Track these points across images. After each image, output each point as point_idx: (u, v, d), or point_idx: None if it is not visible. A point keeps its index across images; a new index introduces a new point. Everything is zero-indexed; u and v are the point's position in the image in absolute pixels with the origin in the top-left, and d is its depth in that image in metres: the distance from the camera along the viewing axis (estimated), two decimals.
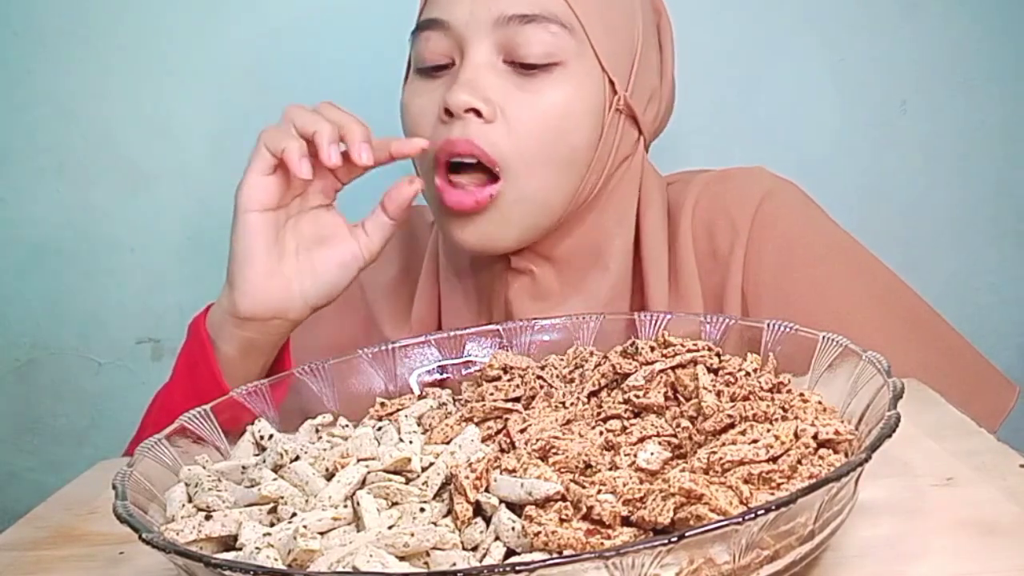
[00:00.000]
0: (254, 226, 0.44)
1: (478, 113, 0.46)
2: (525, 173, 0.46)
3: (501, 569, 0.22)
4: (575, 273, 0.51)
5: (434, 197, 0.48)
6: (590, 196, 0.50)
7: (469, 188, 0.46)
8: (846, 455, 0.30)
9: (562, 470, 0.30)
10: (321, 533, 0.28)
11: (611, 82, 0.48)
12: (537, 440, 0.32)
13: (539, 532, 0.26)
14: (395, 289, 0.57)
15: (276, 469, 0.33)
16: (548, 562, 0.23)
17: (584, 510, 0.27)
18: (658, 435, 0.32)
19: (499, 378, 0.39)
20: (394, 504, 0.30)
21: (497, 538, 0.27)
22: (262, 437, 0.36)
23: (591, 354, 0.39)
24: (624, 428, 0.33)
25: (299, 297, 0.46)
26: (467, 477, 0.29)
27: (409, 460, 0.31)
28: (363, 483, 0.31)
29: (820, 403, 0.32)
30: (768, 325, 0.37)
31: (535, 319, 0.44)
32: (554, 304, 0.50)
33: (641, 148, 0.52)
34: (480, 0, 0.46)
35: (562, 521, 0.27)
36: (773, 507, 0.24)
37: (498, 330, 0.43)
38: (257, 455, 0.35)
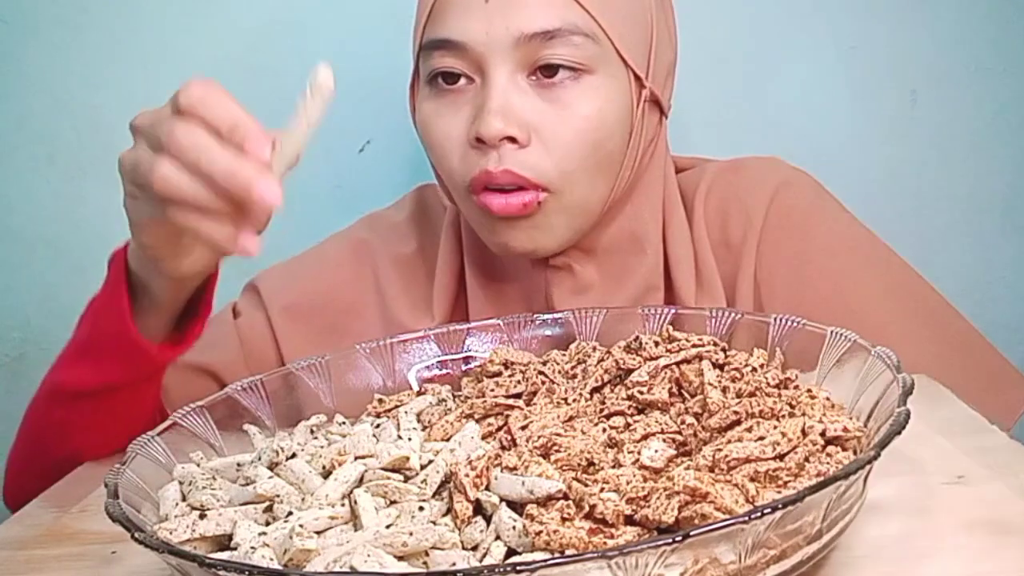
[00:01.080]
0: (153, 244, 0.39)
1: (512, 139, 0.45)
2: (568, 186, 0.46)
3: (502, 569, 0.22)
4: (615, 264, 0.51)
5: (472, 209, 0.47)
6: (623, 188, 0.49)
7: (512, 195, 0.45)
8: (855, 452, 0.29)
9: (564, 468, 0.29)
10: (318, 532, 0.28)
11: (636, 76, 0.47)
12: (539, 437, 0.31)
13: (540, 531, 0.25)
14: (409, 266, 0.55)
15: (272, 467, 0.32)
16: (550, 562, 0.22)
17: (587, 509, 0.26)
18: (662, 432, 0.32)
19: (500, 374, 0.38)
20: (392, 503, 0.30)
21: (498, 537, 0.27)
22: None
23: (594, 349, 0.39)
24: (628, 425, 0.33)
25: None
26: (467, 475, 0.28)
27: (408, 458, 0.31)
28: (361, 481, 0.31)
29: (828, 399, 0.32)
30: (774, 320, 0.37)
31: (536, 314, 0.43)
32: (595, 297, 0.50)
33: (664, 127, 0.52)
34: (497, 18, 0.44)
35: (564, 520, 0.26)
36: (780, 506, 0.23)
37: (499, 324, 0.43)
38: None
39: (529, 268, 0.51)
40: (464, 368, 0.42)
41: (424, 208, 0.58)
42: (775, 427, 0.29)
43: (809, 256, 0.50)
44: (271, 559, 0.26)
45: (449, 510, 0.29)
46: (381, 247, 0.56)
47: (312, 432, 0.37)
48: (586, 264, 0.50)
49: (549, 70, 0.45)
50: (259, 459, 0.33)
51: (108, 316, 0.42)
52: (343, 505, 0.30)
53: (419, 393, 0.40)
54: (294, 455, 0.32)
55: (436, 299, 0.53)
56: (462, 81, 0.46)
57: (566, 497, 0.27)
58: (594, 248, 0.50)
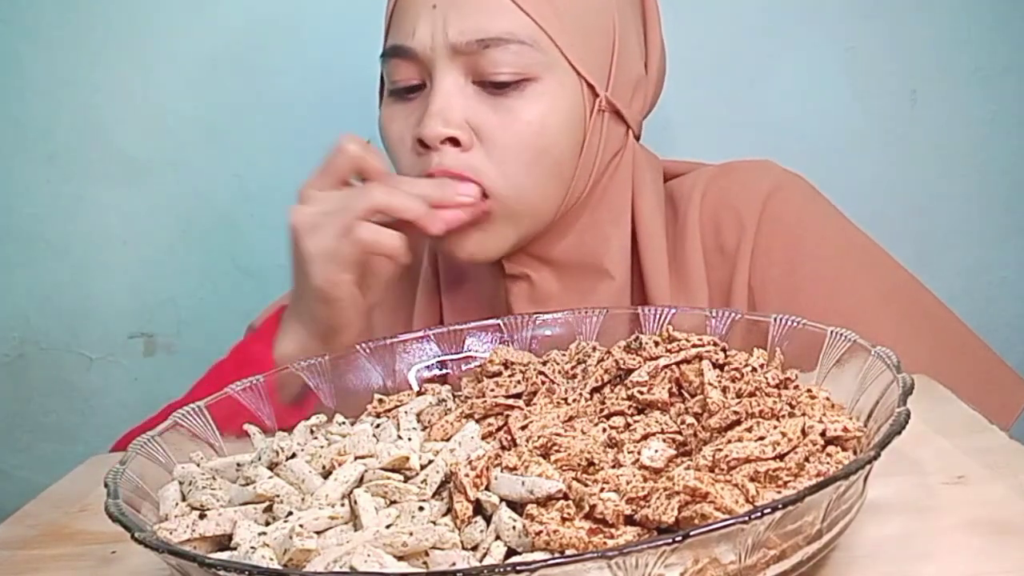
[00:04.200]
0: (346, 304, 0.44)
1: (455, 142, 0.45)
2: (511, 192, 0.46)
3: (502, 569, 0.22)
4: (575, 277, 0.51)
5: None
6: (580, 197, 0.49)
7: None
8: (855, 452, 0.29)
9: (564, 468, 0.29)
10: (317, 532, 0.28)
11: (590, 86, 0.47)
12: (539, 437, 0.31)
13: (540, 531, 0.25)
14: (392, 291, 0.55)
15: (272, 467, 0.32)
16: (550, 562, 0.22)
17: (587, 509, 0.26)
18: (662, 432, 0.32)
19: (500, 374, 0.38)
20: (392, 503, 0.30)
21: (498, 537, 0.27)
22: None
23: (594, 349, 0.39)
24: (628, 425, 0.33)
25: (368, 314, 0.47)
26: (467, 475, 0.28)
27: (408, 458, 0.31)
28: (361, 481, 0.31)
29: (828, 399, 0.32)
30: (775, 319, 0.37)
31: (536, 313, 0.43)
32: (555, 308, 0.49)
33: (630, 140, 0.52)
34: (439, 26, 0.45)
35: (564, 520, 0.26)
36: (780, 506, 0.23)
37: (499, 325, 0.43)
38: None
39: (490, 277, 0.51)
40: (464, 368, 0.42)
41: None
42: (775, 427, 0.29)
43: (802, 261, 0.50)
44: (271, 559, 0.26)
45: (449, 510, 0.29)
46: None
47: (312, 432, 0.37)
48: (543, 273, 0.50)
49: (495, 85, 0.45)
50: (259, 459, 0.33)
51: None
52: (343, 505, 0.30)
53: (419, 393, 0.40)
54: (294, 455, 0.32)
55: (417, 312, 0.54)
56: (414, 86, 0.47)
57: (566, 497, 0.27)
58: (549, 258, 0.50)
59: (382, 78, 0.50)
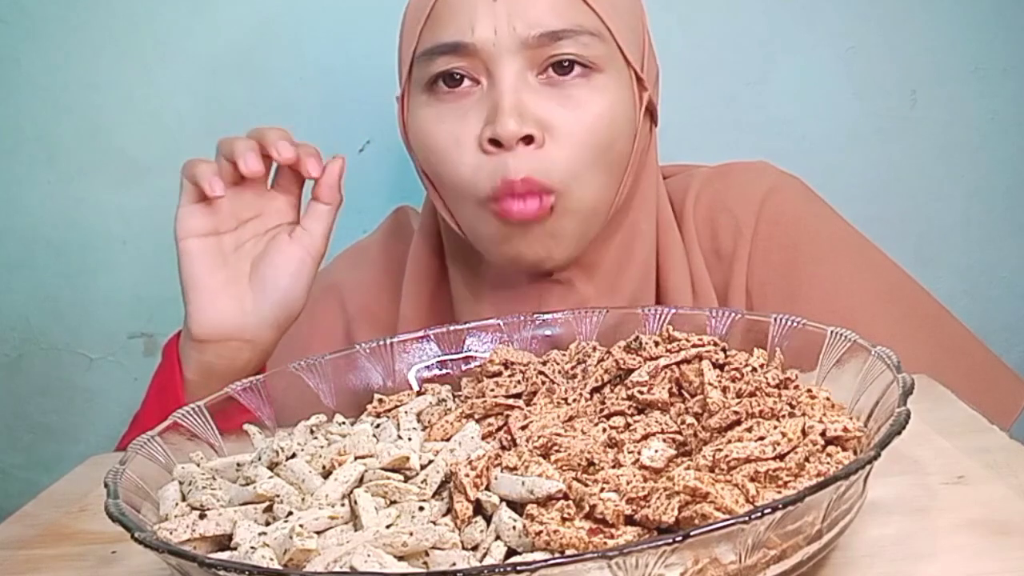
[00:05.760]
0: (193, 252, 0.45)
1: (527, 140, 0.44)
2: (576, 187, 0.45)
3: (502, 569, 0.22)
4: (609, 276, 0.50)
5: (484, 220, 0.46)
6: (626, 196, 0.49)
7: (528, 199, 0.44)
8: (855, 452, 0.29)
9: (564, 468, 0.29)
10: (318, 532, 0.28)
11: (639, 80, 0.47)
12: (539, 437, 0.31)
13: (541, 531, 0.25)
14: (376, 293, 0.55)
15: (272, 467, 0.32)
16: (550, 562, 0.22)
17: (587, 509, 0.26)
18: (662, 432, 0.32)
19: (500, 374, 0.38)
20: (392, 503, 0.30)
21: (498, 537, 0.27)
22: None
23: (594, 349, 0.39)
24: (628, 425, 0.33)
25: (253, 316, 0.45)
26: (467, 475, 0.28)
27: (408, 458, 0.31)
28: (361, 481, 0.31)
29: (828, 399, 0.32)
30: (775, 319, 0.37)
31: (536, 313, 0.43)
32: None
33: (655, 136, 0.52)
34: (503, 19, 0.43)
35: (564, 520, 0.26)
36: (780, 506, 0.23)
37: (499, 325, 0.43)
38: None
39: (524, 283, 0.50)
40: (464, 368, 0.42)
41: (396, 230, 0.58)
42: (775, 427, 0.29)
43: (799, 263, 0.50)
44: (271, 559, 0.26)
45: (449, 510, 0.29)
46: (351, 282, 0.56)
47: (312, 432, 0.37)
48: (582, 277, 0.50)
49: (561, 67, 0.44)
50: (259, 459, 0.33)
51: (168, 394, 0.46)
52: (343, 505, 0.30)
53: (419, 393, 0.40)
54: (294, 455, 0.32)
55: (401, 322, 0.52)
56: (466, 83, 0.45)
57: (566, 497, 0.27)
58: (594, 263, 0.49)
59: (408, 77, 0.48)
